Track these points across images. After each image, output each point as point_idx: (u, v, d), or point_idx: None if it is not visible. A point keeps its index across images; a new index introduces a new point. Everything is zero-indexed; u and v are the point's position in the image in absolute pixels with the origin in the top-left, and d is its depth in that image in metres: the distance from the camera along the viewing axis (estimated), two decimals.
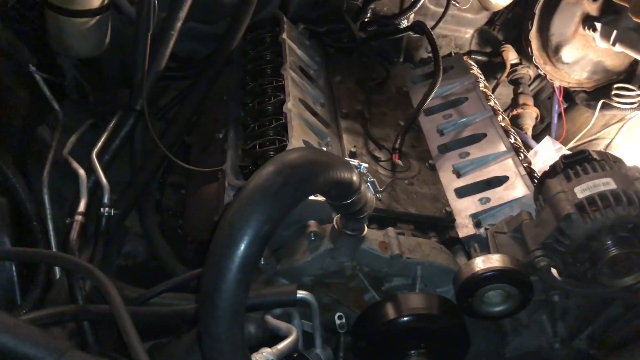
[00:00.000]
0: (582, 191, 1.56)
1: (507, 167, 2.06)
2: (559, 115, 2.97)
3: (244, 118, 2.08)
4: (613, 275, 1.54)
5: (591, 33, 2.62)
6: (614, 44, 2.50)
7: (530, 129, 2.85)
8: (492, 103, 2.39)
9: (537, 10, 2.67)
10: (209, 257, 1.05)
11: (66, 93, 2.30)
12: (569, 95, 2.97)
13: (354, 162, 1.43)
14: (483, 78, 2.58)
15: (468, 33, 3.02)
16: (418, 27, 2.52)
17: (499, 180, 2.03)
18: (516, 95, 2.91)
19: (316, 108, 2.18)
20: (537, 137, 3.09)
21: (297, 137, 1.83)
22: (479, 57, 3.04)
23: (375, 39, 2.65)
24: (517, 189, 1.96)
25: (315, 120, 2.08)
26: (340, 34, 2.66)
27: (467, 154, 2.17)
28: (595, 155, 1.64)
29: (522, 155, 2.17)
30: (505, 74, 2.94)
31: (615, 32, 2.48)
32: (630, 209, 1.48)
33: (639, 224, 1.50)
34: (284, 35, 2.32)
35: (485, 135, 2.22)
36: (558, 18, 2.65)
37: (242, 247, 1.03)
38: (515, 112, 2.86)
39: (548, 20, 2.67)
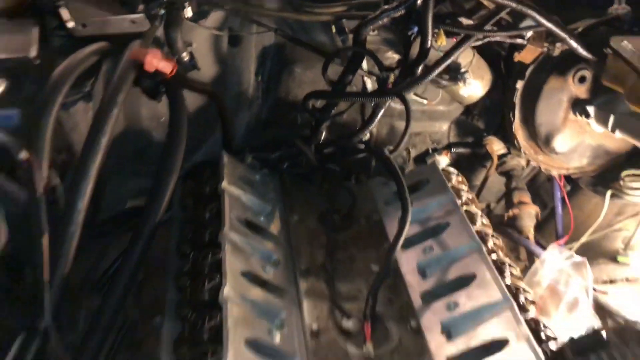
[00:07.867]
0: None
1: (506, 324, 1.67)
2: (563, 201, 2.57)
3: (181, 307, 1.72)
4: None
5: (584, 119, 2.24)
6: (613, 131, 2.12)
7: (532, 230, 2.45)
8: (479, 225, 2.02)
9: (516, 100, 2.30)
10: None
11: None
12: (571, 177, 2.57)
13: None
14: (466, 187, 2.20)
15: (444, 126, 2.66)
16: (377, 154, 2.16)
17: (499, 345, 1.64)
18: (509, 191, 2.52)
19: (267, 273, 1.82)
20: (542, 226, 2.68)
21: (236, 348, 1.47)
22: (461, 150, 2.68)
23: (334, 161, 2.29)
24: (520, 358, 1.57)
25: (265, 296, 1.72)
26: (296, 159, 2.32)
27: (457, 304, 1.78)
28: (612, 338, 1.26)
29: (522, 298, 1.78)
30: (494, 166, 2.57)
31: (612, 118, 2.10)
32: None
33: None
34: (224, 184, 1.98)
35: (474, 276, 1.83)
36: (543, 106, 2.27)
37: None
38: (511, 213, 2.46)
39: (532, 110, 2.28)
